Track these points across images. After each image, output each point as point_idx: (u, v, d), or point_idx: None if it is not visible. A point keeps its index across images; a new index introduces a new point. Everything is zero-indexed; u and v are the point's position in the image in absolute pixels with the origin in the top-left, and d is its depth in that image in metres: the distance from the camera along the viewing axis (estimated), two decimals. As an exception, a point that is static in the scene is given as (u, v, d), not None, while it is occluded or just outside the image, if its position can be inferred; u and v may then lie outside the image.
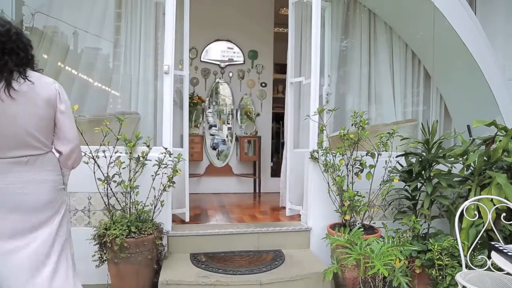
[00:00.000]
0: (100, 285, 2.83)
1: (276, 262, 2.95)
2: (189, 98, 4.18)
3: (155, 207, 2.89)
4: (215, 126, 5.97)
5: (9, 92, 1.54)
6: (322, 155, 3.21)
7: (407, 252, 2.64)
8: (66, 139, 1.75)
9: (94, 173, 2.75)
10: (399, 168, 3.34)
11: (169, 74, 3.14)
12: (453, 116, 4.24)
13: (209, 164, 5.75)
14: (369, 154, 3.14)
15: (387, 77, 4.17)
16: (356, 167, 3.17)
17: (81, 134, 2.62)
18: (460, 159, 3.09)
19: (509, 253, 1.72)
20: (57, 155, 1.80)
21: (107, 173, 2.78)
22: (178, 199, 3.51)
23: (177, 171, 2.92)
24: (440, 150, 3.16)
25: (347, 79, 4.14)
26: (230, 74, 5.86)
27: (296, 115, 4.04)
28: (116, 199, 2.83)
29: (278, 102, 6.53)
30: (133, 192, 2.83)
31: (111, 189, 2.80)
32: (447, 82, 4.14)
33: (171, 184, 2.91)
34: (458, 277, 2.22)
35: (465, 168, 3.11)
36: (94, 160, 2.74)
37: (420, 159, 3.17)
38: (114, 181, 2.79)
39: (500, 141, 2.98)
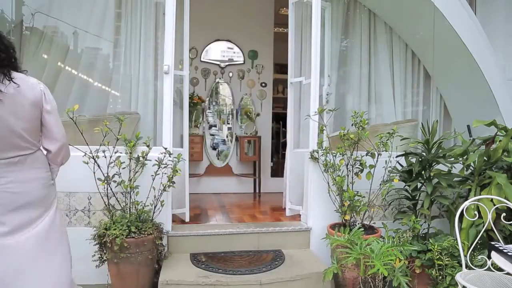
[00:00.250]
0: (100, 285, 2.83)
1: (276, 262, 2.95)
2: (189, 98, 4.18)
3: (155, 207, 2.89)
4: (215, 126, 5.97)
5: None
6: (322, 155, 3.21)
7: (407, 252, 2.64)
8: (54, 138, 1.81)
9: (94, 173, 2.75)
10: (399, 168, 3.34)
11: (169, 74, 3.14)
12: (453, 116, 4.24)
13: (209, 164, 5.76)
14: (369, 154, 3.14)
15: (387, 77, 4.17)
16: (356, 167, 3.17)
17: (81, 134, 2.64)
18: (460, 159, 3.09)
19: (509, 253, 1.72)
20: (45, 152, 1.85)
21: (107, 173, 2.77)
22: (178, 199, 3.51)
23: (177, 171, 2.92)
24: (440, 150, 3.16)
25: (347, 79, 4.14)
26: (230, 74, 5.86)
27: (296, 115, 4.04)
28: (116, 199, 2.83)
29: (278, 102, 6.54)
30: (133, 192, 2.83)
31: (111, 189, 2.80)
32: (447, 82, 4.14)
33: (171, 184, 2.91)
34: (458, 277, 2.22)
35: (465, 168, 3.10)
36: (94, 160, 2.74)
37: (420, 159, 3.17)
38: (114, 181, 2.79)
39: (500, 141, 2.98)
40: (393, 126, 3.23)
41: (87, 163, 2.72)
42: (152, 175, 2.85)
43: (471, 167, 3.14)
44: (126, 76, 3.58)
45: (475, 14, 4.04)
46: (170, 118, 3.13)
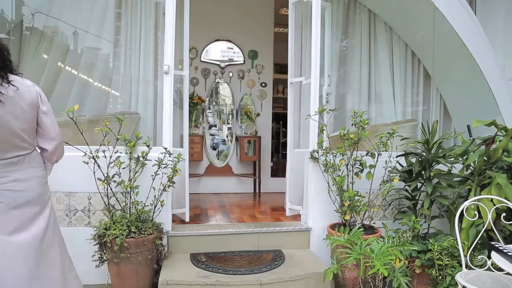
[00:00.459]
0: (100, 285, 2.83)
1: (276, 262, 2.95)
2: (189, 98, 4.18)
3: (155, 207, 2.89)
4: (215, 126, 5.97)
5: None
6: (322, 155, 3.21)
7: (407, 252, 2.64)
8: (50, 137, 1.90)
9: (94, 173, 2.75)
10: (399, 168, 3.34)
11: (169, 74, 3.14)
12: (453, 116, 4.24)
13: (209, 164, 5.76)
14: (369, 154, 3.14)
15: (387, 77, 4.17)
16: (356, 167, 3.17)
17: (81, 134, 2.64)
18: (460, 159, 3.09)
19: (509, 253, 1.72)
20: (39, 151, 1.95)
21: (107, 173, 2.78)
22: (178, 199, 3.51)
23: (177, 171, 2.92)
24: (440, 150, 3.16)
25: (347, 79, 4.14)
26: (230, 74, 5.86)
27: (296, 115, 4.04)
28: (116, 199, 2.83)
29: (278, 102, 6.55)
30: (133, 192, 2.83)
31: (111, 189, 2.80)
32: (447, 82, 4.14)
33: (171, 184, 2.91)
34: (458, 277, 2.22)
35: (465, 168, 3.10)
36: (94, 160, 2.74)
37: (420, 159, 3.17)
38: (114, 181, 2.79)
39: (500, 141, 2.98)
40: (393, 126, 3.23)
41: (87, 163, 2.72)
42: (152, 175, 2.85)
43: (471, 167, 3.14)
44: (126, 76, 3.58)
45: (475, 14, 4.04)
46: (170, 118, 3.12)
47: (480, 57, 3.65)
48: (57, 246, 1.96)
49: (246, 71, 5.88)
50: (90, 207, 3.00)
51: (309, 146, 3.40)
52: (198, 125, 5.69)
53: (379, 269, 2.27)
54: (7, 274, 1.72)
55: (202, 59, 5.74)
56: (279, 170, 6.19)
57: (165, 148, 2.95)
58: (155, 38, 3.57)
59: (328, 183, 3.17)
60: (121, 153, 2.86)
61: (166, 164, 2.88)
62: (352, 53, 4.15)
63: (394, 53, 4.20)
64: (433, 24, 3.59)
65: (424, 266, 2.81)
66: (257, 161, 5.64)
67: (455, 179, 3.16)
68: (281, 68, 6.46)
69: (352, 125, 3.17)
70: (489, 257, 2.01)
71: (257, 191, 5.68)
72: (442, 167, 3.16)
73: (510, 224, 2.63)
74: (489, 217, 2.48)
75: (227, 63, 5.85)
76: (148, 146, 2.86)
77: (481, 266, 2.45)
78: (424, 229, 3.09)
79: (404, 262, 2.56)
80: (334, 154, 3.16)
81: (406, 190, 3.25)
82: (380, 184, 3.13)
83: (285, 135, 4.86)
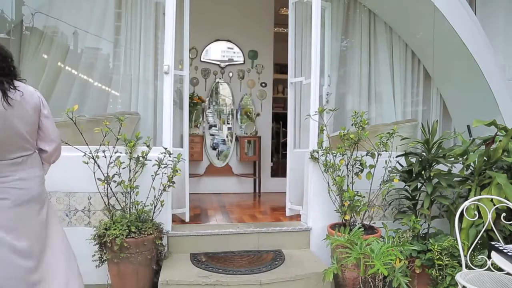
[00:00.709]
0: (100, 285, 2.83)
1: (276, 262, 2.95)
2: (189, 98, 4.18)
3: (155, 207, 2.89)
4: (215, 126, 5.97)
5: (7, 100, 1.76)
6: (322, 155, 3.21)
7: (407, 252, 2.64)
8: (50, 139, 2.03)
9: (94, 173, 2.75)
10: (399, 168, 3.34)
11: (169, 74, 3.14)
12: (453, 116, 4.24)
13: (209, 164, 5.75)
14: (369, 154, 3.14)
15: (387, 77, 4.17)
16: (356, 167, 3.17)
17: (81, 134, 2.64)
18: (460, 159, 3.09)
19: (509, 253, 1.72)
20: (37, 152, 2.06)
21: (107, 173, 2.78)
22: (178, 199, 3.51)
23: (177, 171, 2.92)
24: (440, 150, 3.16)
25: (347, 79, 4.14)
26: (230, 74, 5.86)
27: (296, 115, 4.04)
28: (116, 199, 2.83)
29: (278, 102, 6.55)
30: (133, 192, 2.83)
31: (111, 189, 2.80)
32: (447, 82, 4.14)
33: (171, 184, 2.91)
34: (458, 277, 2.22)
35: (465, 168, 3.10)
36: (94, 160, 2.74)
37: (420, 159, 3.17)
38: (114, 181, 2.79)
39: (500, 141, 2.98)
40: (393, 126, 3.23)
41: (87, 163, 2.72)
42: (152, 175, 2.85)
43: (471, 167, 3.14)
44: (126, 76, 3.58)
45: (475, 14, 4.04)
46: (170, 118, 3.12)
47: (480, 57, 3.65)
48: (59, 238, 2.06)
49: (246, 71, 5.88)
50: (90, 207, 3.00)
51: (309, 146, 3.40)
52: (198, 125, 5.69)
53: (379, 269, 2.27)
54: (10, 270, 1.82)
55: (202, 59, 5.74)
56: (279, 170, 6.19)
57: (165, 148, 2.95)
58: (155, 38, 3.57)
59: (328, 183, 3.17)
60: (121, 153, 2.86)
61: (166, 164, 2.88)
62: (352, 53, 4.15)
63: (394, 53, 4.20)
64: (433, 24, 3.59)
65: (424, 266, 2.81)
66: (257, 161, 5.64)
67: (455, 179, 3.16)
68: (281, 68, 6.46)
69: (352, 125, 3.17)
70: (489, 257, 2.01)
71: (257, 191, 5.68)
72: (442, 167, 3.16)
73: (510, 224, 2.63)
74: (489, 217, 2.48)
75: (227, 63, 5.85)
76: (148, 146, 2.86)
77: (481, 266, 2.45)
78: (424, 229, 3.09)
79: (404, 262, 2.56)
80: (334, 154, 3.16)
81: (406, 190, 3.25)
82: (380, 184, 3.13)
83: (285, 135, 4.86)
